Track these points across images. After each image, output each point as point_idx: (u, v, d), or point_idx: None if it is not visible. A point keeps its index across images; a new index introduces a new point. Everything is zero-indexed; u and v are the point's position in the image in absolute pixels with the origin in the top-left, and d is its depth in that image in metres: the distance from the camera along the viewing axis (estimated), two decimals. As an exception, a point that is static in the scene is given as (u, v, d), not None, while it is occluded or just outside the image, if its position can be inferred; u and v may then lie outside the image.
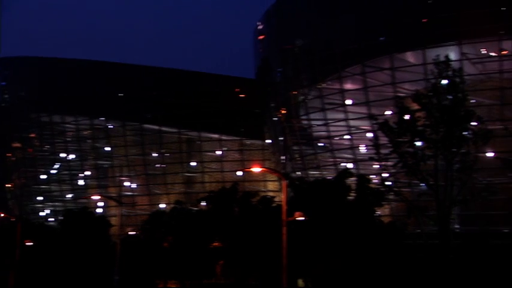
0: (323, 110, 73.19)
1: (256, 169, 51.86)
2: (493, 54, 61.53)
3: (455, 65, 49.68)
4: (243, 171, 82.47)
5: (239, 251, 56.35)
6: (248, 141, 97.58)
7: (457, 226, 56.11)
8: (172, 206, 70.92)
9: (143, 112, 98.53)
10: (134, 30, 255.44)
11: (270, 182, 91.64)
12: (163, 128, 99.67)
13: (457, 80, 46.58)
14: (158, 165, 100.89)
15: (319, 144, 77.12)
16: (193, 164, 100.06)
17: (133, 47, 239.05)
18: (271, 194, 69.02)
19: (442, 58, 48.34)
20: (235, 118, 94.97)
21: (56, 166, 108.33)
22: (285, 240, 41.43)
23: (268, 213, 54.29)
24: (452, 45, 61.43)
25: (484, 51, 62.39)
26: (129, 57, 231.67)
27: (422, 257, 49.02)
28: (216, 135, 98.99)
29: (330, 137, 74.43)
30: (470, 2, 60.43)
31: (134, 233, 77.28)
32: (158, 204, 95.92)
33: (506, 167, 48.30)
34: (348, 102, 70.57)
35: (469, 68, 59.48)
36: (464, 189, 47.19)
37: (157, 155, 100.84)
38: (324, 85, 72.84)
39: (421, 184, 48.43)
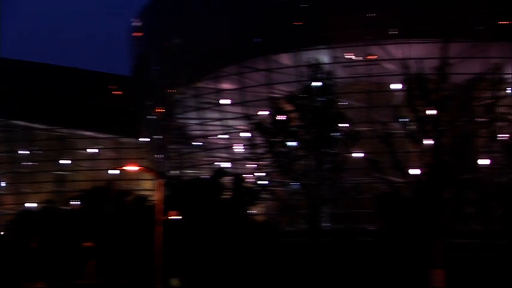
0: (199, 109, 73.34)
1: (131, 168, 51.12)
2: (361, 58, 64.25)
3: (326, 67, 51.58)
4: (118, 170, 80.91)
5: (112, 250, 55.34)
6: (123, 140, 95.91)
7: (327, 224, 58.07)
8: (42, 205, 68.43)
9: (11, 107, 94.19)
10: (5, 23, 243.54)
11: (145, 181, 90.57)
12: (33, 125, 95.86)
13: (328, 82, 48.36)
14: (28, 163, 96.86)
15: (196, 144, 77.20)
16: (65, 162, 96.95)
17: (4, 41, 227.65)
18: (147, 193, 68.28)
19: (314, 61, 50.03)
20: (110, 116, 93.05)
21: None
22: (160, 239, 41.16)
23: (142, 212, 53.69)
24: (325, 48, 63.56)
25: (352, 56, 64.98)
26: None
27: (295, 254, 50.33)
28: (89, 133, 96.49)
29: (206, 136, 74.70)
30: (341, 8, 62.75)
31: (1, 233, 73.82)
32: (27, 203, 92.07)
33: (373, 167, 50.61)
34: (224, 101, 71.14)
35: (340, 71, 61.77)
36: (334, 189, 49.05)
37: (26, 152, 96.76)
38: (200, 84, 72.98)
39: (294, 183, 49.81)
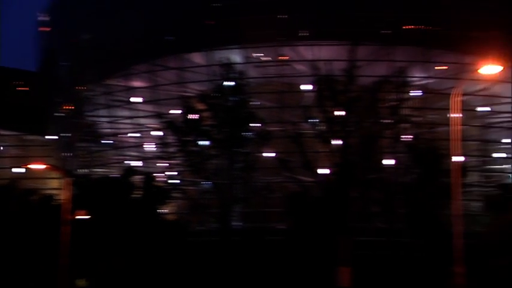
0: (110, 107, 72.07)
1: (37, 166, 49.65)
2: (272, 59, 64.99)
3: (238, 67, 51.93)
4: (23, 168, 78.32)
5: (16, 251, 53.54)
6: (29, 137, 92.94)
7: (238, 223, 58.45)
8: None
9: None
10: None
11: (52, 180, 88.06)
12: None
13: (240, 82, 48.77)
14: None
15: (106, 142, 75.82)
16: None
17: None
18: (54, 192, 66.42)
19: (226, 60, 50.30)
20: (15, 112, 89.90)
21: None
22: (66, 239, 40.24)
23: (49, 212, 52.25)
24: (237, 48, 63.94)
25: (264, 56, 65.66)
26: None
27: (205, 253, 50.37)
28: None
29: (116, 135, 73.53)
30: (253, 8, 63.30)
31: None
32: None
33: (283, 166, 51.44)
34: (136, 99, 70.26)
35: (252, 71, 62.30)
36: (245, 188, 49.49)
37: None
38: (111, 82, 71.77)
39: (205, 182, 49.88)
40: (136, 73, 69.86)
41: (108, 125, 73.90)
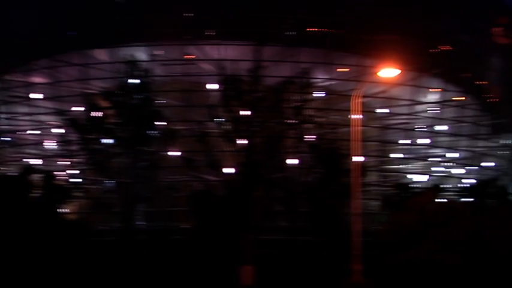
0: (8, 103, 69.54)
1: None
2: (178, 57, 64.69)
3: (144, 65, 51.37)
4: None
5: None
6: None
7: (142, 222, 57.82)
8: None
9: None
10: None
11: None
12: None
13: (145, 80, 48.30)
14: None
15: (3, 139, 73.04)
16: None
17: None
18: None
19: (132, 57, 49.68)
20: None
21: None
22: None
23: None
24: (142, 46, 63.24)
25: (170, 54, 65.24)
26: None
27: (106, 253, 49.50)
28: None
29: (15, 132, 70.98)
30: (159, 6, 62.79)
31: None
32: None
33: (188, 165, 51.37)
34: (35, 96, 68.08)
35: (158, 69, 61.78)
36: (149, 187, 49.06)
37: None
38: (9, 77, 69.21)
39: (108, 181, 49.04)
40: (37, 69, 67.76)
41: (6, 122, 71.31)
